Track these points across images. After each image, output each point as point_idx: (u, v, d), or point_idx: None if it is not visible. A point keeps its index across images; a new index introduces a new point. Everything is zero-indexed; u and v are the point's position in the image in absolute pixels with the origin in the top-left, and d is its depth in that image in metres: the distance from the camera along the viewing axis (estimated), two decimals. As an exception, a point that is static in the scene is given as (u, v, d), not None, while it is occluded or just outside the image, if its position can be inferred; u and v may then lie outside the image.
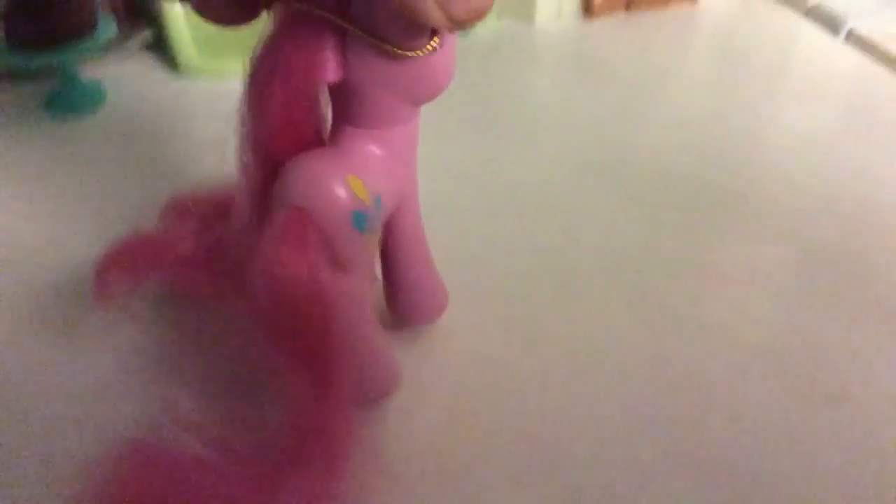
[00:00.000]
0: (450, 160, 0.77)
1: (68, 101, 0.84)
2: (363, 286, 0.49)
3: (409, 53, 0.41)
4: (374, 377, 0.51)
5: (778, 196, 0.74)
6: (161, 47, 0.94)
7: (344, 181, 0.43)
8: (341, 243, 0.44)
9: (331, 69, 0.42)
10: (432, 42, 0.41)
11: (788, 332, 0.60)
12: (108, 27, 0.83)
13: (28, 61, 0.78)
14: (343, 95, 0.44)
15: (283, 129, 0.43)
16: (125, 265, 0.56)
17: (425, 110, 0.47)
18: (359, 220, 0.43)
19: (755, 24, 1.09)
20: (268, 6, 0.43)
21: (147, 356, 0.56)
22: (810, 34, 1.07)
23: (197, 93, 0.87)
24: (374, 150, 0.45)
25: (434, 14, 0.36)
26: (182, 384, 0.54)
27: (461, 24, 0.37)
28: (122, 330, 0.58)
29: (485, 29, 1.03)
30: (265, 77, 0.42)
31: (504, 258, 0.66)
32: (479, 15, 0.38)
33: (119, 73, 0.89)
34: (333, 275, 0.43)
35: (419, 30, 0.40)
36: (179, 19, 0.88)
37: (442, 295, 0.57)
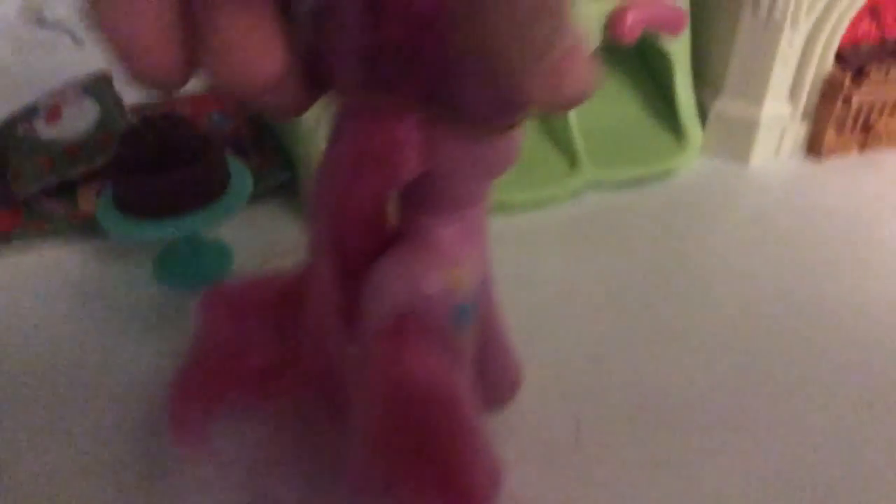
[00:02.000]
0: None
1: (186, 270, 0.67)
2: (471, 379, 0.45)
3: (499, 133, 0.38)
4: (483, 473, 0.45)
5: None
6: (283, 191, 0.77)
7: (443, 278, 0.41)
8: (451, 340, 0.42)
9: (413, 163, 0.38)
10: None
11: None
12: (242, 182, 0.65)
13: (142, 231, 0.62)
14: (420, 184, 0.40)
15: (361, 229, 0.40)
16: (199, 393, 0.49)
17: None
18: (463, 313, 0.42)
19: None
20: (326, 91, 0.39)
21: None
22: None
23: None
24: (457, 235, 0.42)
25: (542, 94, 0.34)
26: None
27: (568, 104, 0.36)
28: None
29: (688, 170, 0.83)
30: (342, 176, 0.39)
31: None
32: (586, 95, 0.37)
33: (246, 223, 0.72)
34: (452, 374, 0.42)
35: (518, 109, 0.37)
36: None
37: (515, 374, 0.53)
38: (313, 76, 0.39)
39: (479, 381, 0.49)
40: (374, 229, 0.41)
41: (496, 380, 0.52)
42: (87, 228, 0.71)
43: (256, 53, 0.35)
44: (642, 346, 0.62)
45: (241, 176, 0.66)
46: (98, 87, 0.80)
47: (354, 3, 0.36)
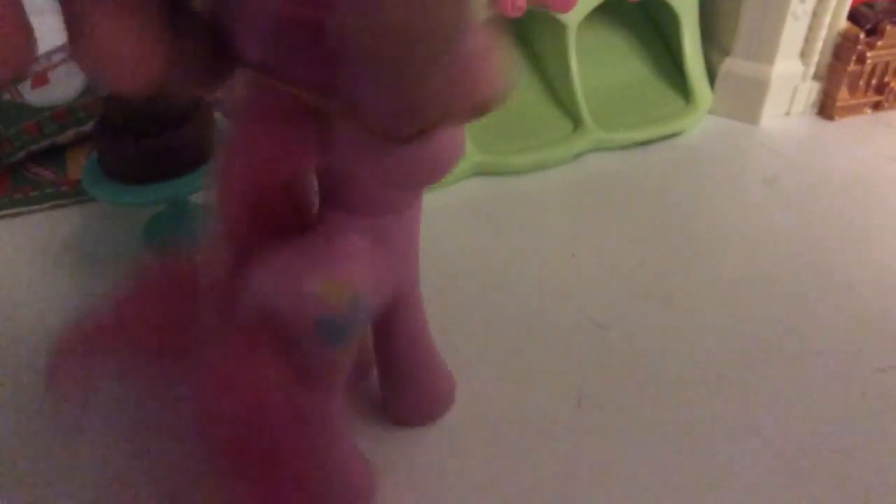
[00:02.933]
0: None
1: (180, 233, 0.65)
2: (329, 399, 0.43)
3: (402, 142, 0.34)
4: (343, 491, 0.45)
5: None
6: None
7: (314, 282, 0.37)
8: (306, 354, 0.39)
9: (307, 154, 0.37)
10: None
11: None
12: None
13: (128, 196, 0.60)
14: (328, 178, 0.39)
15: (251, 215, 0.38)
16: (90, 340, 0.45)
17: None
18: (328, 329, 0.38)
19: None
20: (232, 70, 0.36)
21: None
22: None
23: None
24: (360, 241, 0.40)
25: (443, 97, 0.32)
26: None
27: (474, 112, 0.34)
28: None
29: (696, 130, 0.80)
30: (232, 159, 0.37)
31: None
32: (496, 103, 0.34)
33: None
34: (287, 393, 0.38)
35: (418, 115, 0.33)
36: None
37: (445, 396, 0.51)
38: (219, 49, 0.36)
39: (407, 395, 0.50)
40: (267, 219, 0.39)
41: (427, 396, 0.51)
42: (77, 194, 0.69)
43: (128, 65, 0.34)
44: (647, 312, 0.60)
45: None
46: (86, 50, 0.78)
47: None
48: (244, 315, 0.39)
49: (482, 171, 0.73)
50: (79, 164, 0.72)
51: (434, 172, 0.39)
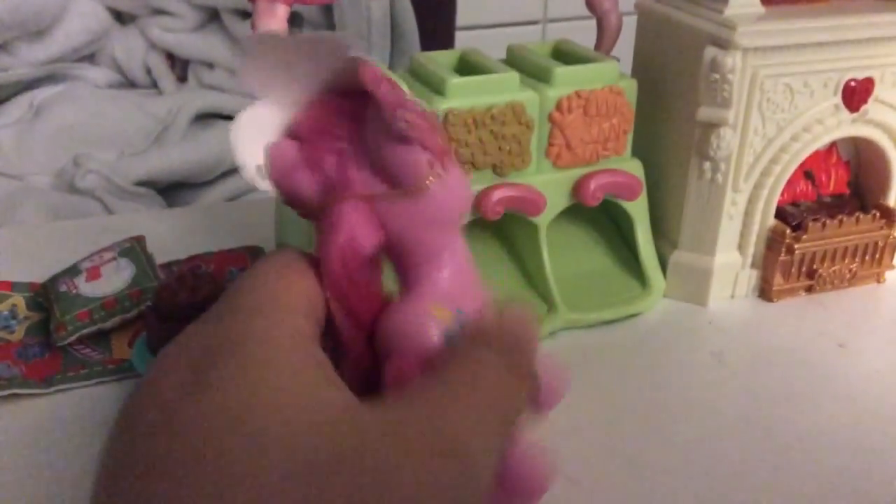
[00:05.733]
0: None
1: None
2: None
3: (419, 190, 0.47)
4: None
5: None
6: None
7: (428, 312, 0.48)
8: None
9: (369, 238, 0.48)
10: (433, 175, 0.47)
11: None
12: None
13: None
14: (394, 246, 0.50)
15: (347, 288, 0.47)
16: None
17: None
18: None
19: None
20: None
21: None
22: None
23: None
24: (440, 275, 0.50)
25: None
26: None
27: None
28: None
29: (652, 312, 0.93)
30: (321, 245, 0.47)
31: None
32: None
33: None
34: None
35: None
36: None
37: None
38: None
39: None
40: (360, 289, 0.49)
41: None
42: (120, 371, 0.80)
43: None
44: (612, 475, 0.70)
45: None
46: (132, 250, 0.92)
47: None
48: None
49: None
50: (122, 346, 0.83)
51: (453, 212, 0.50)
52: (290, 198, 0.49)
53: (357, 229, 0.47)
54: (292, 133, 0.49)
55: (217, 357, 0.36)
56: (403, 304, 0.51)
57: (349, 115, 0.49)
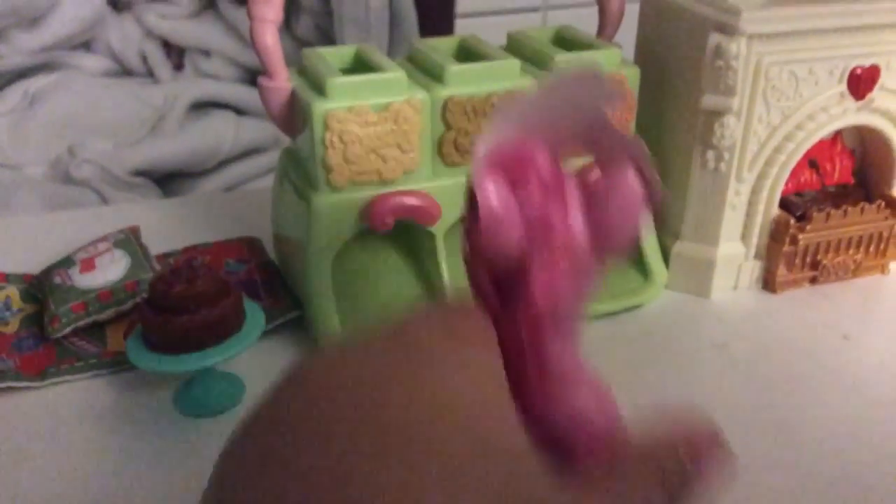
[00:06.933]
0: None
1: (203, 400, 0.74)
2: None
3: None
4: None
5: None
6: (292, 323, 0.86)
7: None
8: None
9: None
10: None
11: None
12: (256, 320, 0.74)
13: (169, 365, 0.70)
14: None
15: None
16: None
17: None
18: None
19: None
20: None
21: None
22: None
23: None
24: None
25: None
26: None
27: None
28: None
29: (655, 304, 0.92)
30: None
31: None
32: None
33: (257, 356, 0.80)
34: None
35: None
36: (328, 299, 0.80)
37: None
38: None
39: None
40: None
41: None
42: (115, 364, 0.79)
43: None
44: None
45: (255, 314, 0.75)
46: (127, 240, 0.90)
47: None
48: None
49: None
50: (117, 339, 0.82)
51: None
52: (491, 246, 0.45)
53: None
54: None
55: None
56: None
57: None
